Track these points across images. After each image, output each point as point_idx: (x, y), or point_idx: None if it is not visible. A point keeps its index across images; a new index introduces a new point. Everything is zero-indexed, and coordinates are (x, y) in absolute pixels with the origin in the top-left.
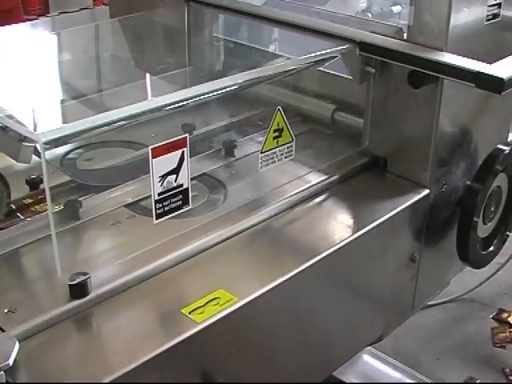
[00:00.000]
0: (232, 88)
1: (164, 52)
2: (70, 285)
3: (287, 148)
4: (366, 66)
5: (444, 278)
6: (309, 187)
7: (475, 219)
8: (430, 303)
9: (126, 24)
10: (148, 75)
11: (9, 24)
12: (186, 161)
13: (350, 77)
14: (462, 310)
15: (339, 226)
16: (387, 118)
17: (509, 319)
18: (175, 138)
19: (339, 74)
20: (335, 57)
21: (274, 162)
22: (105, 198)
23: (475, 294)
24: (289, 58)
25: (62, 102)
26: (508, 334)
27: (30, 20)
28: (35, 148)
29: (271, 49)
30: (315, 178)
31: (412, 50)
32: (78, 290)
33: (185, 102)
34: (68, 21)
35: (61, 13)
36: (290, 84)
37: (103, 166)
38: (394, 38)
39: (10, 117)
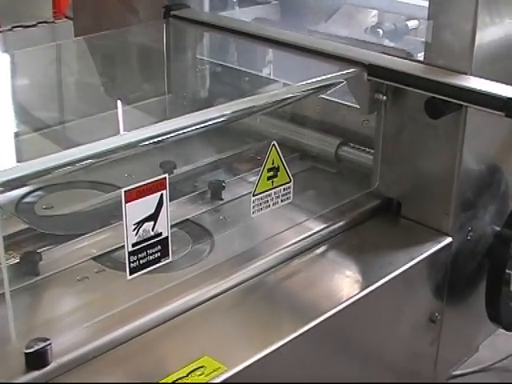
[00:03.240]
0: (219, 120)
1: (139, 77)
2: (26, 353)
3: (284, 190)
4: (375, 93)
5: (471, 343)
6: (309, 236)
7: (507, 272)
8: (455, 373)
9: (93, 43)
10: (120, 104)
11: None
12: (165, 205)
13: (357, 106)
14: (494, 381)
15: (345, 281)
16: (401, 154)
17: None
18: (152, 179)
19: (344, 102)
20: (340, 82)
21: (269, 206)
22: (69, 249)
23: (510, 362)
24: (286, 85)
25: (17, 135)
26: None
27: None
28: None
29: (265, 73)
30: (317, 225)
31: (430, 74)
32: (36, 359)
33: (164, 137)
34: (23, 37)
35: (14, 27)
36: (287, 115)
37: (67, 212)
38: (409, 59)
39: None
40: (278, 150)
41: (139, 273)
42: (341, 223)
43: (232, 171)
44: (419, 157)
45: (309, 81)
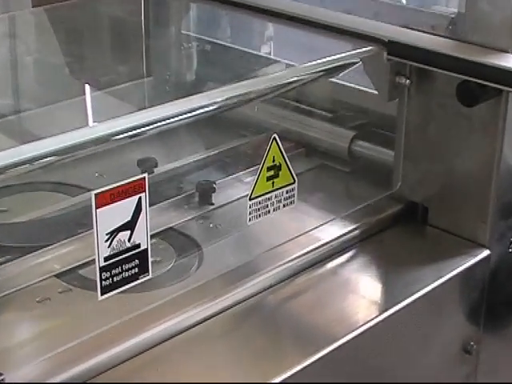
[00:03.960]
0: (209, 109)
1: (112, 56)
2: None
3: (287, 192)
4: (397, 76)
5: None
6: (318, 247)
7: None
8: None
9: (56, 15)
10: (89, 89)
11: None
12: (144, 211)
13: (374, 91)
14: None
15: (361, 302)
16: (428, 150)
17: None
18: (129, 180)
19: (360, 87)
20: (354, 63)
21: (269, 211)
22: (27, 264)
23: None
24: (289, 66)
25: None
26: None
27: None
28: None
29: (264, 52)
30: (327, 235)
31: (463, 52)
32: None
33: (143, 129)
34: None
35: None
36: (290, 102)
37: (25, 219)
38: (438, 34)
39: None
40: (280, 144)
41: (113, 292)
42: (355, 232)
43: (224, 170)
44: (450, 152)
45: (317, 61)
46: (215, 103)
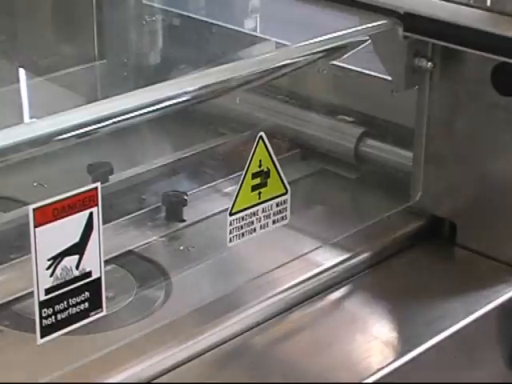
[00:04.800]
0: (179, 100)
1: (54, 33)
2: None
3: (277, 205)
4: (416, 58)
5: None
6: (316, 275)
7: None
8: None
9: None
10: (24, 75)
11: None
12: (96, 230)
13: (388, 77)
14: None
15: (373, 344)
16: (455, 151)
17: None
18: (77, 190)
19: (369, 72)
20: (361, 41)
21: (255, 230)
22: None
23: None
24: (280, 45)
25: None
26: None
27: None
28: None
29: (248, 28)
30: (328, 259)
31: (501, 27)
32: None
33: (94, 126)
34: None
35: None
36: (281, 92)
37: None
38: (469, 5)
39: None
40: (268, 145)
41: (56, 334)
42: (364, 256)
43: (198, 178)
44: (483, 154)
45: (315, 40)
46: (187, 93)
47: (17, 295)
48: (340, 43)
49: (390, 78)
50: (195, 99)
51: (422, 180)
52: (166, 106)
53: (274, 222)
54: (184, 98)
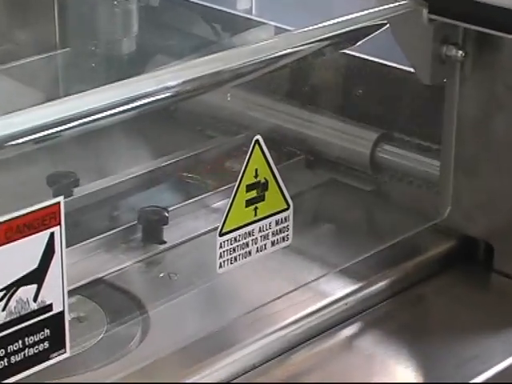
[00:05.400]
0: (159, 97)
1: (9, 18)
2: None
3: (277, 224)
4: (444, 46)
5: None
6: (325, 307)
7: None
8: None
9: None
10: None
11: None
12: (58, 254)
13: (410, 69)
14: None
15: None
16: (492, 157)
17: None
18: (35, 207)
19: (387, 62)
20: (378, 27)
21: (250, 253)
22: None
23: None
24: (280, 31)
25: None
26: None
27: None
28: None
29: (241, 9)
30: (339, 288)
31: None
32: None
33: (56, 129)
34: None
35: None
36: (282, 86)
37: None
38: None
39: None
40: (266, 150)
41: (10, 380)
42: (382, 284)
43: (182, 190)
44: None
45: (322, 24)
46: (168, 89)
47: None
48: (352, 28)
49: (412, 70)
50: (178, 96)
51: (451, 193)
52: (143, 105)
53: (273, 244)
54: (165, 95)
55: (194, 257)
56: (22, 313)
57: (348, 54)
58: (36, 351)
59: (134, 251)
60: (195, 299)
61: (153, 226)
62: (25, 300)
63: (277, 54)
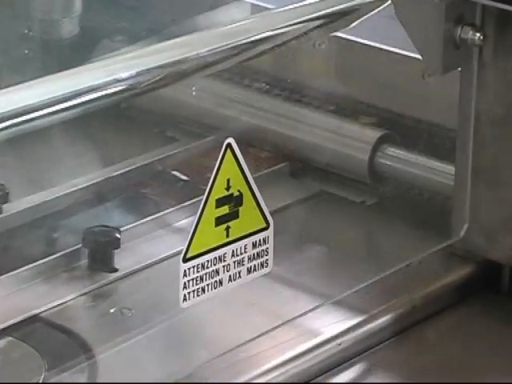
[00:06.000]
0: (109, 92)
1: None
2: None
3: (254, 246)
4: (458, 28)
5: None
6: (316, 348)
7: None
8: None
9: None
10: None
11: None
12: None
13: (417, 55)
14: None
15: None
16: None
17: None
18: None
19: (389, 47)
20: (377, 4)
21: (221, 283)
22: None
23: None
24: (259, 9)
25: None
26: None
27: None
28: None
29: None
30: (331, 324)
31: None
32: None
33: None
34: None
35: None
36: (260, 77)
37: None
38: None
39: None
40: (240, 156)
41: None
42: (385, 319)
43: (137, 206)
44: None
45: (309, 1)
46: (119, 81)
47: None
48: (345, 6)
49: (420, 57)
50: (132, 90)
51: (468, 207)
52: (89, 101)
53: (249, 271)
54: (116, 89)
55: (152, 288)
56: None
57: (340, 37)
58: None
59: (77, 281)
60: (154, 340)
61: (101, 251)
62: None
63: (253, 38)
